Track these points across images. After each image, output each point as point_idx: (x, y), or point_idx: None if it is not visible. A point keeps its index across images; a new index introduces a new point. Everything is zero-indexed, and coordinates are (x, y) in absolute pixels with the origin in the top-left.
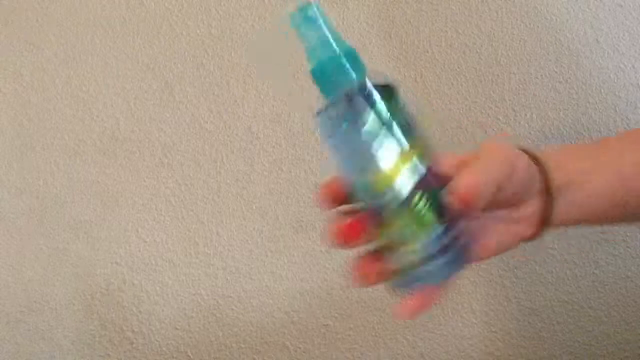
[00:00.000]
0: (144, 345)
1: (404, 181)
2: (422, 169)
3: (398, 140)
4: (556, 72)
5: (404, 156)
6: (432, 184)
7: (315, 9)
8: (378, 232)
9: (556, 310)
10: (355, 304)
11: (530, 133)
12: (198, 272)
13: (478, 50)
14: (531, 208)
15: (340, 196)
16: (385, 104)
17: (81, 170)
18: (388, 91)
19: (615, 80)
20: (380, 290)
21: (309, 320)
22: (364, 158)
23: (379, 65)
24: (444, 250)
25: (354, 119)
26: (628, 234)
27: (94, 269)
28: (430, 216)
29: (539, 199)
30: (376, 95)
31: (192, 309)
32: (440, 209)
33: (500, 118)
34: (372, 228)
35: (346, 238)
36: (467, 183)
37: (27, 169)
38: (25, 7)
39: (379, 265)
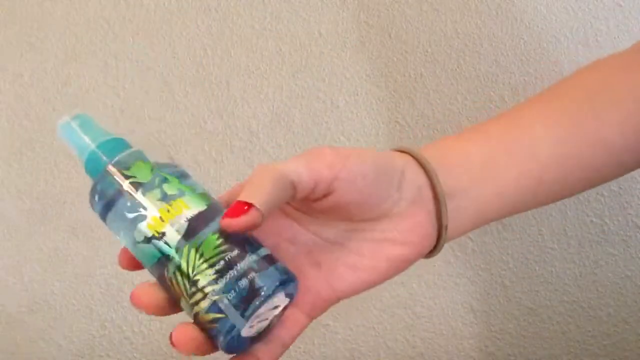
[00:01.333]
0: (144, 345)
1: (168, 239)
2: (185, 223)
3: (149, 206)
4: (556, 72)
5: (159, 218)
6: (201, 229)
7: (72, 123)
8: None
9: (556, 310)
10: (355, 304)
11: None
12: None
13: (478, 50)
14: (408, 221)
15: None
16: (132, 175)
17: (81, 170)
18: (136, 164)
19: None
20: (380, 290)
21: None
22: (125, 227)
23: (379, 65)
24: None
25: (106, 196)
26: (628, 233)
27: (94, 269)
28: (204, 266)
29: (421, 209)
30: (118, 172)
31: None
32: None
33: None
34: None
35: (137, 304)
36: (233, 204)
37: (27, 169)
38: (25, 7)
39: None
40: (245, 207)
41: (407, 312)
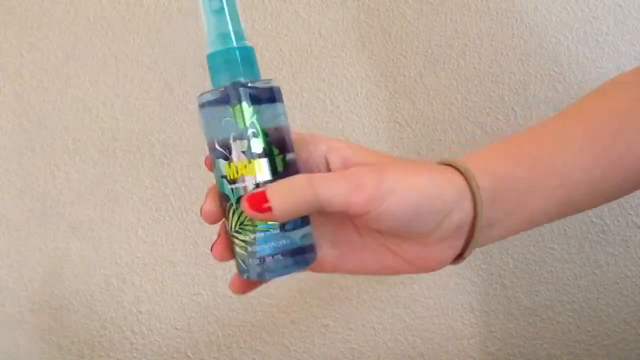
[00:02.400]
0: (144, 345)
1: (234, 189)
2: (252, 186)
3: (253, 142)
4: (556, 72)
5: (253, 158)
6: None
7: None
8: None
9: (556, 310)
10: (355, 304)
11: None
12: (198, 272)
13: (478, 50)
14: (430, 252)
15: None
16: (255, 106)
17: (81, 170)
18: (265, 96)
19: None
20: (380, 290)
21: (309, 320)
22: (222, 146)
23: (379, 65)
24: (277, 248)
25: (220, 110)
26: (628, 233)
27: (94, 269)
28: (247, 229)
29: (448, 246)
30: (247, 96)
31: (192, 309)
32: None
33: (500, 118)
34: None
35: (207, 219)
36: (257, 192)
37: (27, 169)
38: (25, 7)
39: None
40: (266, 207)
41: (407, 312)
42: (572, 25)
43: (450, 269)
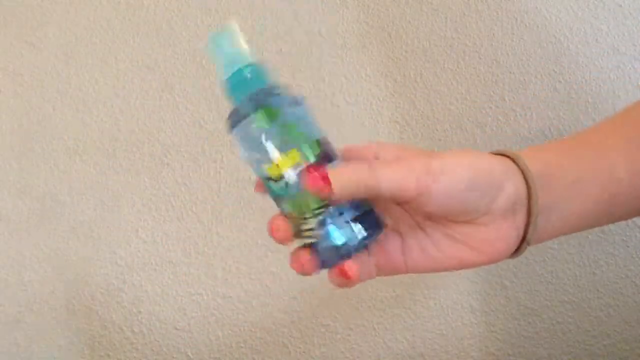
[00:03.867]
0: (144, 345)
1: (290, 172)
2: (295, 176)
3: (271, 151)
4: (556, 72)
5: (276, 165)
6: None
7: (225, 34)
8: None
9: (556, 310)
10: (355, 304)
11: (530, 133)
12: (198, 272)
13: (478, 50)
14: (492, 233)
15: None
16: (274, 106)
17: (81, 170)
18: (282, 94)
19: (615, 80)
20: (380, 290)
21: (309, 320)
22: (257, 151)
23: (379, 65)
24: (343, 228)
25: (247, 122)
26: (627, 233)
27: (94, 269)
28: (312, 200)
29: (509, 225)
30: (265, 99)
31: (192, 309)
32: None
33: (500, 118)
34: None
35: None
36: (323, 173)
37: (27, 169)
38: (25, 7)
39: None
40: (327, 188)
41: (407, 312)
42: (572, 25)
43: None
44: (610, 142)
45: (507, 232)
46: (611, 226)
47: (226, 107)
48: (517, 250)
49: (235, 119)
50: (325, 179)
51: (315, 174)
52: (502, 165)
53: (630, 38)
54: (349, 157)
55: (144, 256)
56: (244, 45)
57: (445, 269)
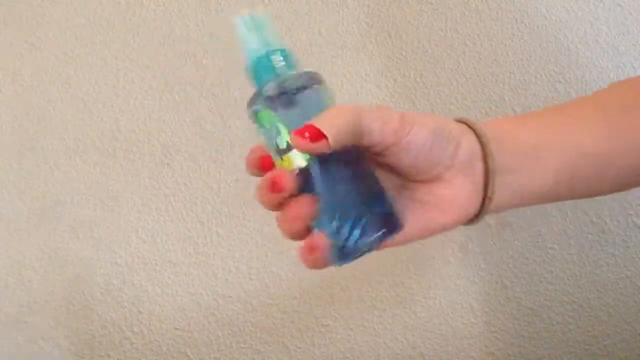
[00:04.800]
0: (144, 345)
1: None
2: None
3: (272, 155)
4: (556, 72)
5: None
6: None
7: (254, 18)
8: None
9: (556, 310)
10: (355, 304)
11: None
12: (198, 272)
13: (478, 50)
14: (454, 188)
15: (264, 163)
16: (297, 94)
17: (81, 170)
18: (310, 81)
19: (615, 80)
20: (380, 290)
21: (309, 320)
22: (275, 134)
23: (379, 65)
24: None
25: (267, 103)
26: (627, 233)
27: (94, 269)
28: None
29: (469, 179)
30: (286, 86)
31: (192, 309)
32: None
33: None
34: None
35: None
36: (306, 125)
37: (27, 169)
38: (25, 7)
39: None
40: (320, 136)
41: (407, 312)
42: (572, 25)
43: (451, 268)
44: (579, 113)
45: (468, 187)
46: (611, 226)
47: (227, 108)
48: (481, 211)
49: (260, 99)
50: (315, 134)
51: (305, 127)
52: (458, 126)
53: (630, 38)
54: None
55: (144, 256)
56: (274, 31)
57: (413, 237)
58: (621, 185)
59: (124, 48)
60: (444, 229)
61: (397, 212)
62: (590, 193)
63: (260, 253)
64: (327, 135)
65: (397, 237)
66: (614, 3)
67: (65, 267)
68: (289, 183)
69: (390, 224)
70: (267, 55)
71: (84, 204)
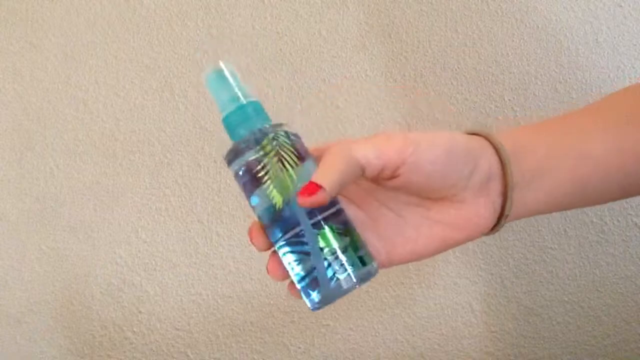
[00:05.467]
0: (144, 346)
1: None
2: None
3: (281, 171)
4: (556, 72)
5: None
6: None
7: (221, 72)
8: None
9: (556, 310)
10: (355, 304)
11: None
12: (198, 272)
13: (478, 50)
14: (469, 209)
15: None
16: (271, 144)
17: (81, 170)
18: (277, 134)
19: (615, 80)
20: (380, 290)
21: (309, 320)
22: (254, 186)
23: (379, 65)
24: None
25: (242, 155)
26: (627, 233)
27: (94, 269)
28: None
29: (485, 200)
30: (263, 135)
31: (192, 309)
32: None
33: (500, 118)
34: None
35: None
36: (306, 185)
37: (27, 169)
38: (25, 7)
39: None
40: (316, 189)
41: (407, 312)
42: (572, 25)
43: (451, 268)
44: (588, 122)
45: (484, 207)
46: (611, 226)
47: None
48: (496, 226)
49: (233, 155)
50: (313, 187)
51: (306, 186)
52: (476, 143)
53: (630, 38)
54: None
55: (144, 256)
56: (241, 83)
57: (428, 253)
58: (631, 193)
59: (124, 48)
60: (459, 244)
61: (370, 261)
62: (603, 200)
63: (260, 253)
64: (325, 186)
65: (411, 256)
66: (614, 3)
67: (65, 267)
68: (259, 240)
69: (364, 277)
70: (240, 109)
71: (84, 204)
